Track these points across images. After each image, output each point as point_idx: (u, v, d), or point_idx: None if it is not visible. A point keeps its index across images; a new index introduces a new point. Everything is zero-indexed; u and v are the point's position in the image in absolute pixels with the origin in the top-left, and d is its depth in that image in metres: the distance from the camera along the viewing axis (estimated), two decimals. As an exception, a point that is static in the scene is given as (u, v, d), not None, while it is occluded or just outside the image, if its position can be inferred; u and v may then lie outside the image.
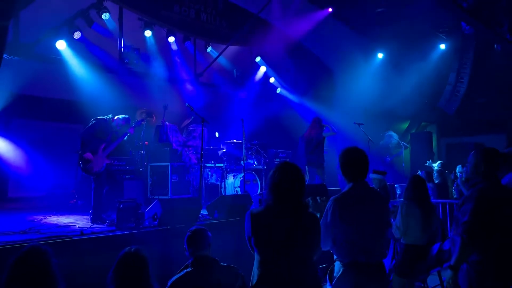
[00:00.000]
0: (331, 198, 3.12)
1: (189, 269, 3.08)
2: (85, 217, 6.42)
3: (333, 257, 3.18)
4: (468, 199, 2.90)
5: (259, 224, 2.71)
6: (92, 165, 6.13)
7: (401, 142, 11.19)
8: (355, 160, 3.11)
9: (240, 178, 8.51)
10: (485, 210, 2.82)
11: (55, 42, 8.42)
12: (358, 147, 3.23)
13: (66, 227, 5.53)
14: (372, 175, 7.01)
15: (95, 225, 5.66)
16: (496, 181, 3.01)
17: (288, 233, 2.65)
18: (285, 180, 2.74)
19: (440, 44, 12.82)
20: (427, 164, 10.14)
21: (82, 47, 8.86)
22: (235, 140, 9.44)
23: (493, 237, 2.84)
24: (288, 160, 10.66)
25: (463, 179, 5.65)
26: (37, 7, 7.64)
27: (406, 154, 12.06)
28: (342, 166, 3.13)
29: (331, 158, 12.06)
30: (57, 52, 8.54)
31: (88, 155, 6.09)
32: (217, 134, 9.95)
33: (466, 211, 2.86)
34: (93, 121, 6.39)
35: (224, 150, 9.16)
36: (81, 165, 6.17)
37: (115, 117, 6.63)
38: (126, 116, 6.73)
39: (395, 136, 10.72)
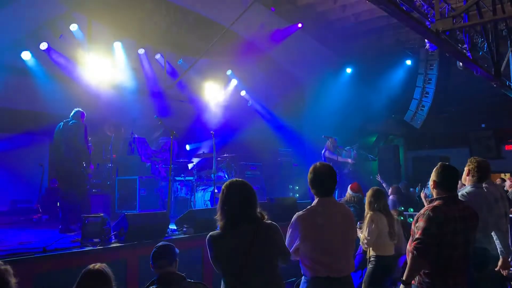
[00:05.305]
0: (296, 214, 3.10)
1: (154, 286, 3.02)
2: (49, 232, 6.20)
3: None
4: (421, 216, 3.03)
5: (221, 249, 2.67)
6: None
7: (369, 155, 11.42)
8: (323, 175, 3.11)
9: (210, 191, 8.44)
10: (435, 228, 2.94)
11: (21, 52, 8.22)
12: (327, 163, 3.27)
13: (28, 243, 5.33)
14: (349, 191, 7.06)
15: (62, 235, 5.49)
16: (452, 197, 3.13)
17: (251, 251, 2.62)
18: (235, 199, 2.70)
19: (406, 60, 13.23)
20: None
21: (49, 58, 8.66)
22: (205, 152, 9.38)
23: (442, 252, 2.97)
24: (258, 172, 10.68)
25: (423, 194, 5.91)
26: (2, 18, 7.45)
27: (374, 166, 12.30)
28: (310, 180, 3.12)
29: (302, 171, 12.20)
30: (22, 62, 8.32)
31: (92, 166, 6.04)
32: (188, 147, 9.89)
33: (419, 228, 2.99)
34: (77, 124, 6.05)
35: (194, 163, 9.10)
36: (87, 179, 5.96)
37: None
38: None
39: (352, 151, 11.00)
